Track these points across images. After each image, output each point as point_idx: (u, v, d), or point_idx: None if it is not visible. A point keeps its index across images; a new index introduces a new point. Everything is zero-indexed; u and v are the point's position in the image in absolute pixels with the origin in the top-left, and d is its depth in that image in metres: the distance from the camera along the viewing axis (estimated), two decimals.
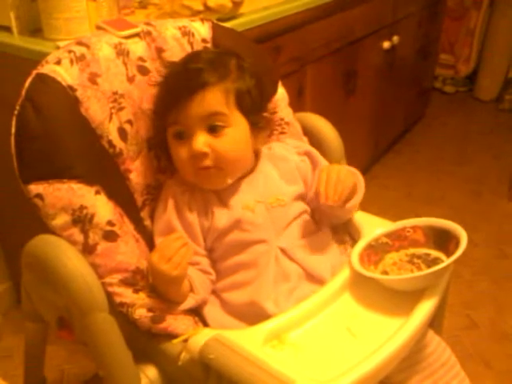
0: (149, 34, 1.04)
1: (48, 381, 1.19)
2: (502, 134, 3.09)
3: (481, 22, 3.35)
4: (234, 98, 0.97)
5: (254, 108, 1.01)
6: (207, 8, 1.36)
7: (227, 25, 1.22)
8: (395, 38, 2.36)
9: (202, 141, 0.94)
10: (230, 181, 1.00)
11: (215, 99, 0.95)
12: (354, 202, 1.04)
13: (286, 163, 1.08)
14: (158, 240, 1.00)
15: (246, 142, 1.00)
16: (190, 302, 0.94)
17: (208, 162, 0.96)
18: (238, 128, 0.98)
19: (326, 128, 1.22)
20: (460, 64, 3.52)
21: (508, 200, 2.45)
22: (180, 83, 0.96)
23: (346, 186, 0.98)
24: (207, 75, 0.95)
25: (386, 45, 2.31)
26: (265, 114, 1.06)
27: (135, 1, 1.54)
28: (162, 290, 0.92)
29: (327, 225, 1.09)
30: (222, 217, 0.99)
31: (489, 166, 2.74)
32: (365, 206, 1.13)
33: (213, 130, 0.95)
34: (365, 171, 2.45)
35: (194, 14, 1.34)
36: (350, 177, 1.00)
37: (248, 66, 1.01)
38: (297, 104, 1.33)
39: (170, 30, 1.06)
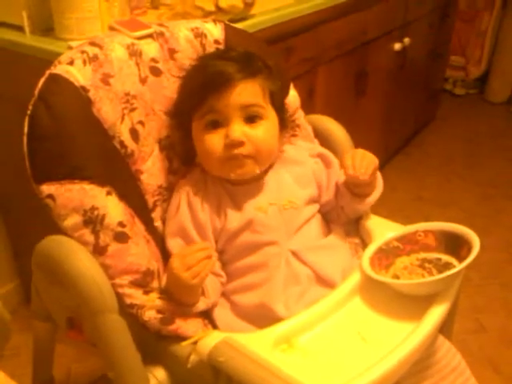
0: (161, 34, 1.04)
1: (55, 379, 1.19)
2: None
3: (492, 24, 3.33)
4: (268, 93, 0.99)
5: (282, 106, 1.05)
6: (219, 9, 1.35)
7: (239, 26, 1.22)
8: (406, 40, 2.35)
9: (239, 129, 0.95)
10: (258, 171, 1.00)
11: (255, 91, 0.97)
12: (374, 197, 1.07)
13: (301, 166, 1.08)
14: (170, 241, 1.00)
15: (276, 137, 1.02)
16: (200, 306, 0.94)
17: (243, 151, 0.96)
18: (271, 121, 1.00)
19: (337, 131, 1.22)
20: (471, 66, 3.51)
21: None
22: (219, 72, 0.96)
23: (372, 161, 1.01)
24: (246, 67, 0.96)
25: (397, 46, 2.30)
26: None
27: (147, 1, 1.54)
28: (175, 293, 0.92)
29: (342, 224, 1.10)
30: (234, 218, 0.99)
31: (500, 168, 2.73)
32: (375, 209, 1.13)
33: (250, 120, 0.97)
34: None
35: (206, 14, 1.34)
36: (374, 158, 1.02)
37: (272, 66, 1.03)
38: (307, 105, 1.32)
39: (182, 31, 1.06)
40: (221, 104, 0.95)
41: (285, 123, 1.07)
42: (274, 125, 1.01)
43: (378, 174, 1.08)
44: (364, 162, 1.00)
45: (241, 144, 0.95)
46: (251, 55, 1.01)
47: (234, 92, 0.95)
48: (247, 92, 0.96)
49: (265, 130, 0.98)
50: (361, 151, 1.02)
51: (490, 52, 3.42)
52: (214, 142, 0.96)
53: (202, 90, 0.96)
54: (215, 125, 0.97)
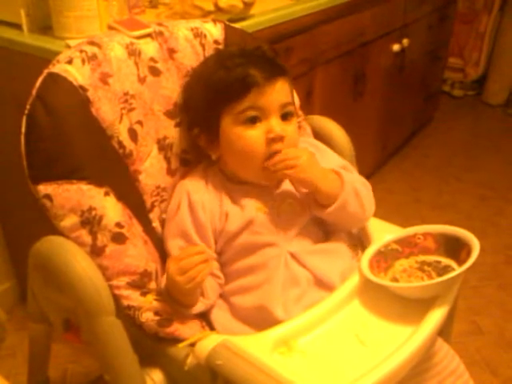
0: (161, 34, 1.03)
1: (51, 379, 1.18)
2: (510, 138, 3.08)
3: (491, 26, 3.34)
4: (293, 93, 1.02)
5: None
6: (218, 8, 1.35)
7: (238, 26, 1.22)
8: (405, 41, 2.35)
9: (279, 125, 0.96)
10: None
11: (289, 88, 1.01)
12: (335, 209, 0.98)
13: None
14: (170, 242, 0.99)
15: None
16: (199, 307, 0.94)
17: (281, 146, 0.96)
18: (296, 120, 1.02)
19: (336, 131, 1.21)
20: (469, 68, 3.51)
21: None
22: (261, 68, 0.95)
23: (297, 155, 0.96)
24: (278, 65, 0.99)
25: (396, 47, 2.30)
26: None
27: (145, 0, 1.53)
28: (173, 295, 0.91)
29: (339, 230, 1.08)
30: (235, 219, 0.98)
31: (497, 170, 2.73)
32: None
33: (285, 117, 0.98)
34: (372, 175, 2.45)
35: (205, 14, 1.33)
36: (317, 166, 0.98)
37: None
38: (305, 106, 1.32)
39: (182, 30, 1.06)
40: (263, 100, 0.95)
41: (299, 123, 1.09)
42: (297, 123, 1.04)
43: (349, 189, 1.00)
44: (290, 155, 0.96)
45: (282, 139, 0.96)
46: (275, 54, 1.02)
47: (275, 89, 0.96)
48: (284, 90, 0.98)
49: (295, 128, 1.01)
50: (307, 154, 0.99)
51: (488, 54, 3.42)
52: (255, 137, 0.96)
53: (243, 85, 0.95)
54: (254, 121, 0.96)
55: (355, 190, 1.01)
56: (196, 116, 1.02)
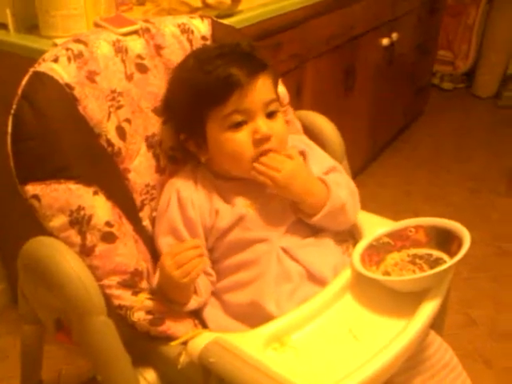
0: (147, 31, 1.03)
1: (45, 381, 1.18)
2: (500, 130, 3.09)
3: (479, 19, 3.35)
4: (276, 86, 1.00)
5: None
6: (206, 5, 1.34)
7: (226, 22, 1.21)
8: (394, 35, 2.35)
9: (265, 124, 0.95)
10: None
11: (271, 84, 0.99)
12: (320, 218, 0.99)
13: None
14: (160, 240, 0.98)
15: None
16: (192, 305, 0.93)
17: (269, 145, 0.96)
18: (281, 114, 1.01)
19: (326, 126, 1.21)
20: (458, 60, 3.52)
21: (507, 197, 2.44)
22: (240, 68, 0.93)
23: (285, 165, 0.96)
24: (259, 60, 0.96)
25: (385, 41, 2.30)
26: None
27: None
28: (167, 292, 0.91)
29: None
30: (225, 215, 0.98)
31: (487, 163, 2.74)
32: (363, 204, 1.11)
33: (270, 115, 0.97)
34: (363, 169, 2.45)
35: (193, 10, 1.33)
36: (301, 177, 0.97)
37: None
38: (295, 101, 1.32)
39: (168, 27, 1.05)
40: (247, 102, 0.94)
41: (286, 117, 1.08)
42: (283, 117, 1.02)
43: (335, 199, 1.00)
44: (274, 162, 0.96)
45: (269, 138, 0.96)
46: (256, 47, 1.00)
47: (258, 87, 0.94)
48: (267, 86, 0.96)
49: (282, 123, 1.00)
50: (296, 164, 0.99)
51: (477, 46, 3.43)
52: (243, 140, 0.95)
53: (225, 87, 0.93)
54: (239, 123, 0.95)
55: (341, 201, 1.01)
56: (181, 122, 1.02)
